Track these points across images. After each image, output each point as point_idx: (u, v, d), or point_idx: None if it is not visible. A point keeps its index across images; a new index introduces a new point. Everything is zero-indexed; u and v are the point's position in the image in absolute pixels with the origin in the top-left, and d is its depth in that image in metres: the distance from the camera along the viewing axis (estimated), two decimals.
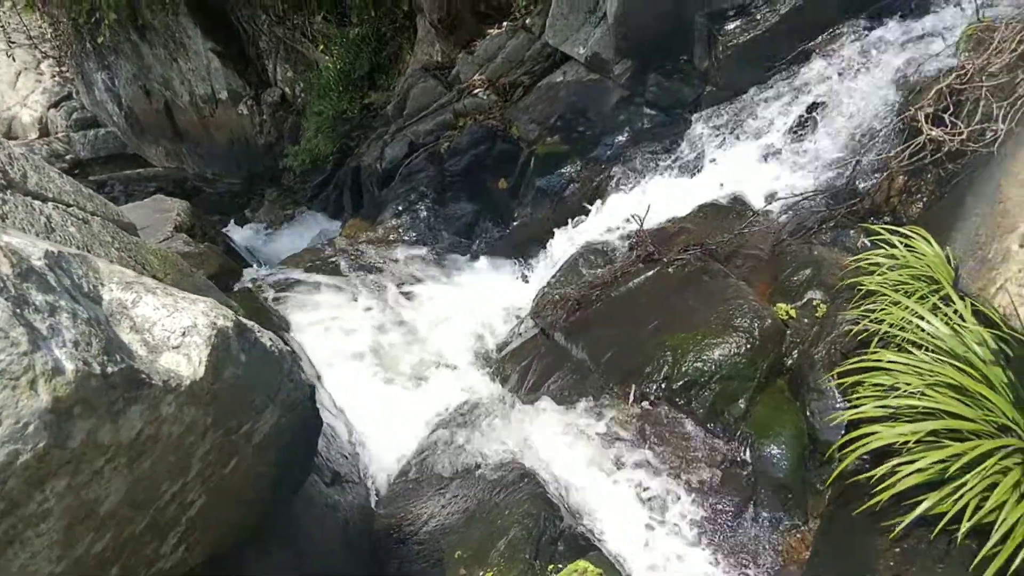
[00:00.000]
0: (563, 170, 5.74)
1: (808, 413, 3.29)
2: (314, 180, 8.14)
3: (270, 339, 2.03)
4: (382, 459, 4.27)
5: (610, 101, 5.79)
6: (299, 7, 9.34)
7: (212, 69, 10.63)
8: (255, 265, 6.34)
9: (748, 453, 3.25)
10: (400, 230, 5.98)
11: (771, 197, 4.64)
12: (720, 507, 3.11)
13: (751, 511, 3.10)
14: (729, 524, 3.07)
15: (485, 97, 6.73)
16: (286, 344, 4.65)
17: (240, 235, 7.56)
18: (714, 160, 5.29)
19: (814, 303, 3.78)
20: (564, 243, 5.37)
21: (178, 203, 6.26)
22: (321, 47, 9.27)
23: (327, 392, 4.55)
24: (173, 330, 1.53)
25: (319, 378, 4.61)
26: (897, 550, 2.71)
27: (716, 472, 3.21)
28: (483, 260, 5.73)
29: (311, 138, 8.53)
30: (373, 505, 3.80)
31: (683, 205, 4.99)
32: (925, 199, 4.32)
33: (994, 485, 2.53)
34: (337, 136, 8.08)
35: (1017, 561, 2.44)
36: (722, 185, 5.04)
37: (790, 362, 3.55)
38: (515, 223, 5.78)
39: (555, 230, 5.50)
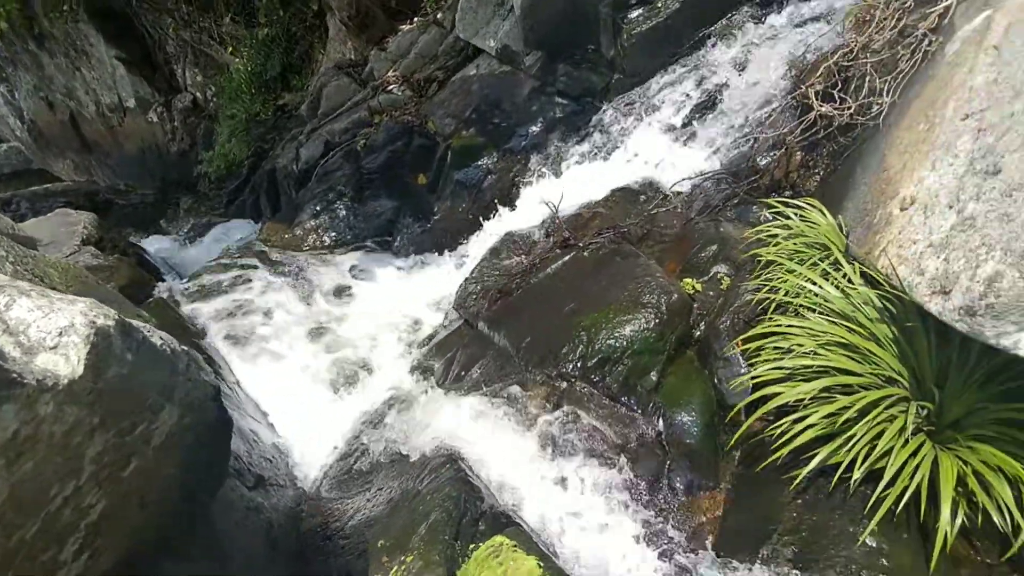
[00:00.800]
0: (480, 162, 5.78)
1: (716, 380, 3.43)
2: (230, 186, 7.97)
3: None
4: (310, 460, 4.24)
5: (523, 92, 5.86)
6: (205, 9, 9.11)
7: (118, 77, 10.26)
8: (170, 276, 6.18)
9: (661, 422, 3.36)
10: (319, 231, 5.92)
11: (679, 179, 4.79)
12: (636, 475, 3.21)
13: (666, 477, 3.21)
14: (645, 491, 3.17)
15: (400, 93, 6.72)
16: (202, 352, 4.59)
17: (154, 246, 7.34)
18: (625, 145, 5.42)
19: (719, 276, 3.92)
20: (485, 234, 5.42)
21: (85, 216, 6.05)
22: (230, 49, 9.07)
23: (249, 397, 4.49)
24: (49, 331, 1.51)
25: (238, 383, 4.54)
26: (799, 501, 2.86)
27: (631, 443, 3.31)
28: (405, 256, 5.72)
29: (225, 143, 8.34)
30: (301, 506, 3.77)
31: (597, 190, 5.11)
32: (821, 172, 4.53)
33: (882, 433, 2.70)
34: (252, 139, 7.93)
35: (904, 500, 2.62)
36: (633, 169, 5.18)
37: (698, 333, 3.68)
38: (436, 217, 5.79)
39: (481, 221, 5.55)
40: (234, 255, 5.98)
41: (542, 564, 2.19)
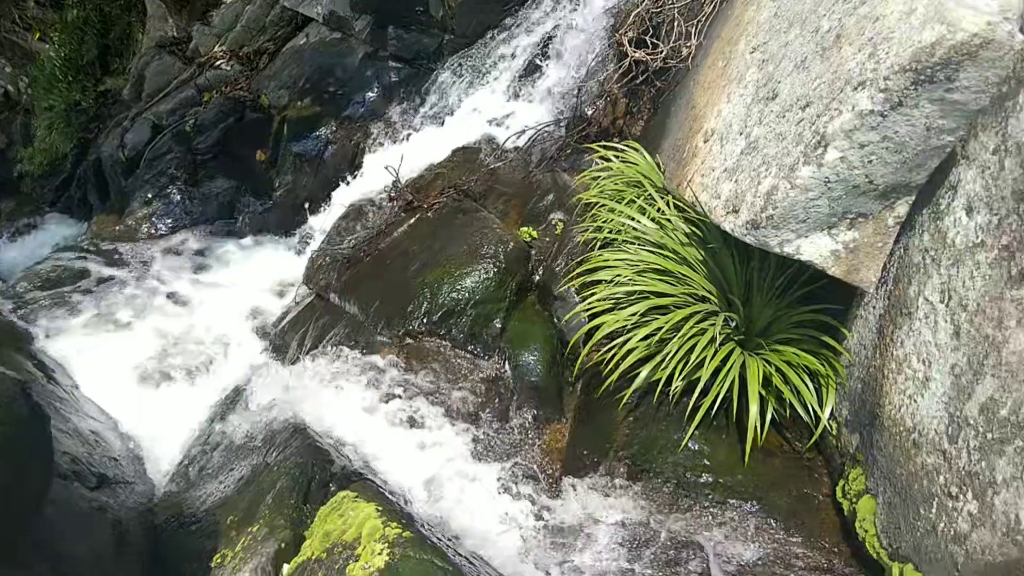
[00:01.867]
0: (318, 133, 5.67)
1: (555, 320, 3.59)
2: (55, 182, 7.38)
3: None
4: (162, 454, 4.08)
5: (355, 59, 5.77)
6: None
7: None
8: None
9: (507, 365, 3.49)
10: (154, 219, 5.63)
11: (515, 133, 4.90)
12: (486, 418, 3.33)
13: (514, 416, 3.34)
14: (496, 431, 3.29)
15: (229, 68, 6.43)
16: (31, 357, 4.29)
17: None
18: (463, 105, 5.47)
19: (554, 223, 4.08)
20: (330, 206, 5.34)
21: None
22: (38, 35, 8.32)
23: (89, 399, 4.25)
24: None
25: (76, 386, 4.29)
26: (631, 419, 3.06)
27: (480, 388, 3.42)
28: (250, 236, 5.55)
29: (45, 136, 7.69)
30: (153, 501, 3.65)
31: (439, 151, 5.14)
32: (645, 117, 4.76)
33: (695, 346, 2.93)
34: (74, 130, 7.36)
35: (717, 404, 2.87)
36: (472, 128, 5.24)
37: (537, 278, 3.83)
38: (278, 193, 5.64)
39: (325, 193, 5.45)
40: (63, 253, 5.57)
41: (380, 508, 2.24)
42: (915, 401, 2.34)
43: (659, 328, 2.92)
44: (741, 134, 3.05)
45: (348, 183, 5.38)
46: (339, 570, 2.11)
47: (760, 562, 2.53)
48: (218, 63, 6.48)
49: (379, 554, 2.05)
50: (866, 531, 2.44)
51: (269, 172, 5.75)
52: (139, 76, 6.84)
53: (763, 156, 2.75)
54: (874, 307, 2.70)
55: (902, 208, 2.50)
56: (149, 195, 5.68)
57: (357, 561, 2.09)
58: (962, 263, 2.25)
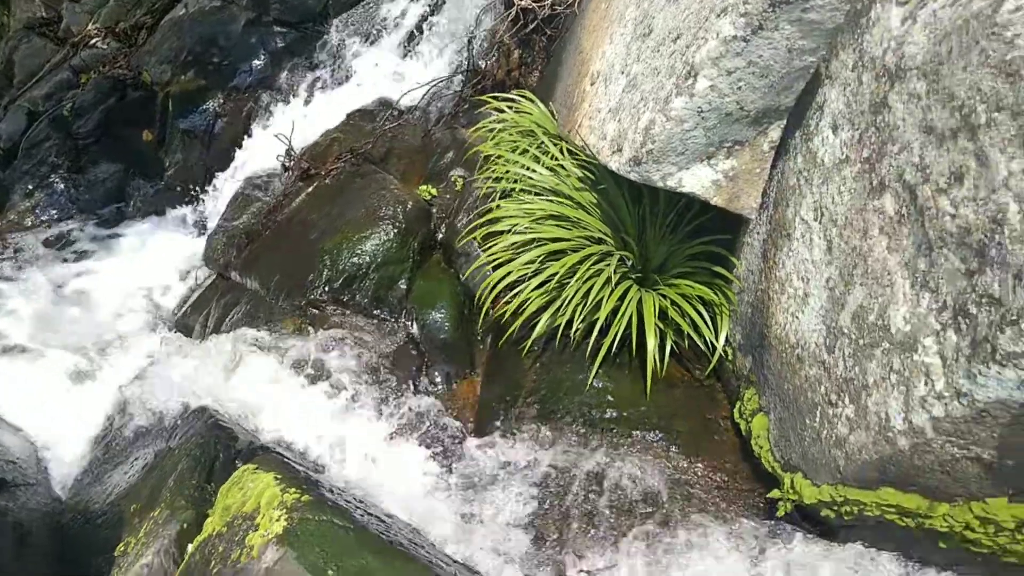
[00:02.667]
0: (206, 107, 5.43)
1: (460, 276, 3.57)
2: None
3: None
4: (68, 455, 3.91)
5: (238, 26, 5.52)
6: None
7: None
8: None
9: (415, 326, 3.46)
10: (37, 211, 5.31)
11: (409, 91, 4.80)
12: (397, 379, 3.30)
13: (425, 374, 3.33)
14: (407, 390, 3.27)
15: (105, 46, 6.06)
16: None
17: None
18: (356, 67, 5.32)
19: (454, 179, 4.03)
20: (225, 182, 5.15)
21: None
22: None
23: None
24: None
25: None
26: (537, 365, 3.09)
27: (389, 350, 3.38)
28: (144, 221, 5.31)
29: None
30: (57, 500, 3.50)
31: (334, 117, 4.99)
32: (539, 66, 4.73)
33: (592, 289, 2.96)
34: None
35: (616, 341, 2.91)
36: (367, 90, 5.11)
37: (440, 236, 3.79)
38: (169, 173, 5.40)
39: (218, 168, 5.25)
40: None
41: (279, 476, 2.20)
42: (797, 318, 2.42)
43: (554, 274, 2.93)
44: (623, 73, 3.06)
45: (242, 157, 5.19)
46: (239, 541, 2.06)
47: (666, 488, 2.60)
48: (93, 41, 6.10)
49: (277, 520, 2.02)
50: (761, 447, 2.54)
51: (158, 152, 5.49)
52: (7, 61, 6.38)
53: (641, 92, 2.77)
54: (758, 233, 2.78)
55: (775, 132, 2.56)
56: (30, 186, 5.34)
57: (257, 530, 2.05)
58: (831, 180, 2.33)
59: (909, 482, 1.98)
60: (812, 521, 2.36)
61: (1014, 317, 1.55)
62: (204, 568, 2.14)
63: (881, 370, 1.97)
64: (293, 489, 2.14)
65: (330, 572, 1.92)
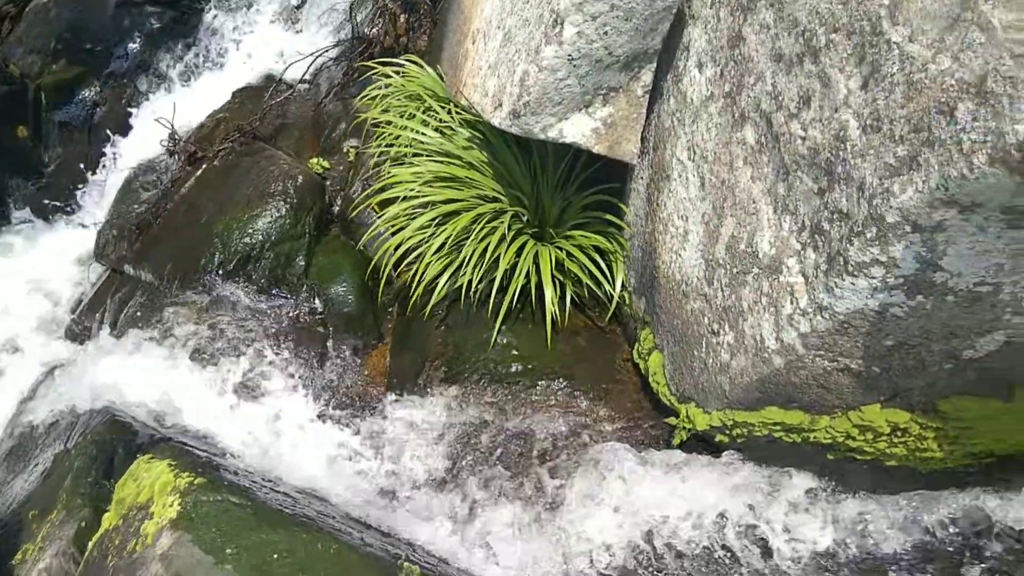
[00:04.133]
0: (83, 96, 5.12)
1: (360, 247, 3.52)
2: None
3: None
4: None
5: (109, 9, 5.21)
6: None
7: None
8: None
9: (318, 301, 3.40)
10: None
11: (293, 65, 4.66)
12: (304, 357, 3.25)
13: (333, 349, 3.29)
14: (315, 367, 3.23)
15: None
16: None
17: None
18: (239, 43, 5.12)
19: (347, 151, 3.96)
20: (111, 174, 4.90)
21: None
22: None
23: None
24: None
25: None
26: (443, 328, 3.09)
27: (293, 329, 3.33)
28: (26, 221, 5.01)
29: None
30: None
31: (219, 96, 4.81)
32: (427, 30, 4.65)
33: (488, 247, 2.96)
34: None
35: (516, 299, 2.94)
36: (253, 66, 4.94)
37: (337, 209, 3.73)
38: (49, 170, 5.09)
39: (102, 160, 4.99)
40: None
41: (173, 463, 2.15)
42: (680, 255, 2.49)
43: (448, 236, 2.93)
44: (499, 28, 3.04)
45: (126, 146, 4.95)
46: (134, 532, 2.01)
47: (572, 433, 2.66)
48: None
49: (170, 506, 1.97)
50: (658, 383, 2.62)
51: (36, 148, 5.16)
52: None
53: (516, 45, 2.76)
54: (642, 178, 2.84)
55: (647, 76, 2.60)
56: None
57: (151, 519, 1.99)
58: (699, 118, 2.39)
59: (789, 399, 2.08)
60: (711, 448, 2.46)
61: (860, 228, 1.63)
62: (102, 563, 2.08)
63: (753, 295, 2.05)
64: (187, 474, 2.09)
65: (228, 551, 1.89)
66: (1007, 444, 1.96)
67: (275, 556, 1.91)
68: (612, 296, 2.98)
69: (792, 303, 1.87)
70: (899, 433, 2.00)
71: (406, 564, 1.97)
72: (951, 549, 2.09)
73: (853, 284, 1.68)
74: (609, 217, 3.04)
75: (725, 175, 2.22)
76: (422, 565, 2.03)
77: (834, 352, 1.86)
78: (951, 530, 2.11)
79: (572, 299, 2.99)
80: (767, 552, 2.25)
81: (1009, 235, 1.44)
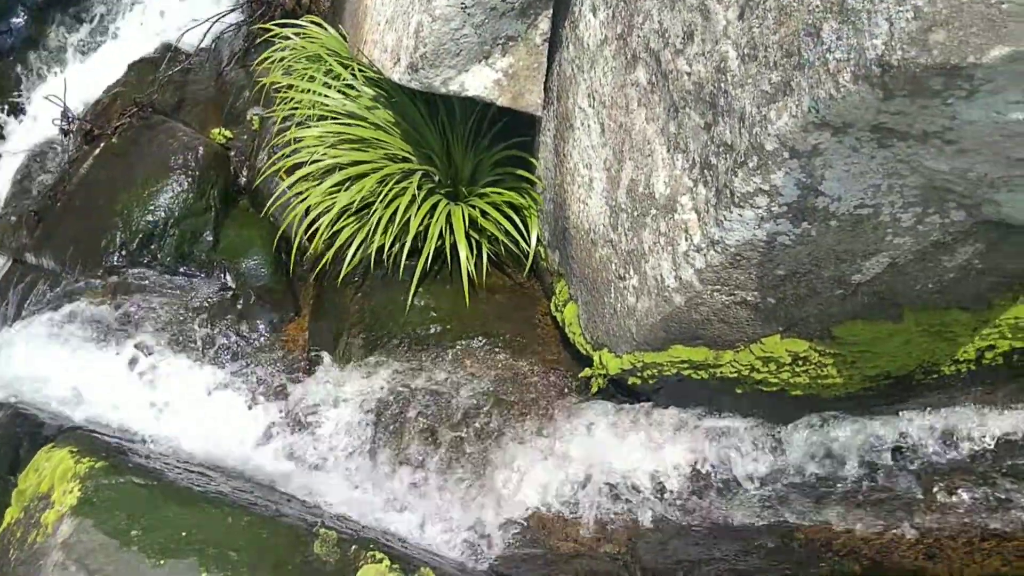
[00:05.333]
0: None
1: (271, 218, 3.42)
2: None
3: None
4: None
5: None
6: None
7: None
8: None
9: (229, 277, 3.30)
10: None
11: (189, 29, 4.45)
12: (218, 334, 3.16)
13: (248, 325, 3.20)
14: (232, 345, 3.14)
15: None
16: None
17: None
18: (133, 12, 4.87)
19: (250, 119, 3.82)
20: (4, 159, 4.63)
21: None
22: None
23: None
24: None
25: None
26: (359, 295, 3.03)
27: (205, 307, 3.22)
28: None
29: None
30: None
31: (115, 70, 4.57)
32: None
33: (398, 209, 2.91)
34: None
35: (432, 260, 2.90)
36: (148, 37, 4.70)
37: (244, 180, 3.61)
38: None
39: None
40: None
41: (74, 449, 2.05)
42: (587, 204, 2.49)
43: (353, 200, 2.86)
44: None
45: (18, 129, 4.67)
46: (35, 523, 1.92)
47: (493, 389, 2.66)
48: None
49: (71, 492, 1.89)
50: (574, 333, 2.63)
51: None
52: None
53: None
54: (549, 130, 2.81)
55: (544, 23, 2.56)
56: None
57: (52, 508, 1.91)
58: (596, 63, 2.36)
59: (693, 336, 2.11)
60: (628, 392, 2.49)
61: (742, 159, 1.64)
62: (4, 558, 1.99)
63: (653, 236, 2.06)
64: (88, 459, 2.01)
65: (134, 532, 1.83)
66: (900, 364, 2.03)
67: (183, 534, 1.86)
68: (528, 252, 2.97)
69: (687, 240, 1.89)
70: (800, 362, 2.05)
71: (322, 530, 1.94)
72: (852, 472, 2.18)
73: (740, 216, 1.70)
74: (521, 172, 3.01)
75: (622, 119, 2.21)
76: (339, 530, 2.00)
77: (730, 286, 1.88)
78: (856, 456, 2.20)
79: (489, 257, 2.97)
80: (691, 489, 2.31)
81: (882, 154, 1.47)
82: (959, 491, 1.93)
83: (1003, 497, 1.89)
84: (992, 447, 1.97)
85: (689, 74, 1.83)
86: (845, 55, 1.31)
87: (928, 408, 2.10)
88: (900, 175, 1.51)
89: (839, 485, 2.05)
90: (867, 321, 1.91)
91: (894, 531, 1.88)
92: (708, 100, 1.76)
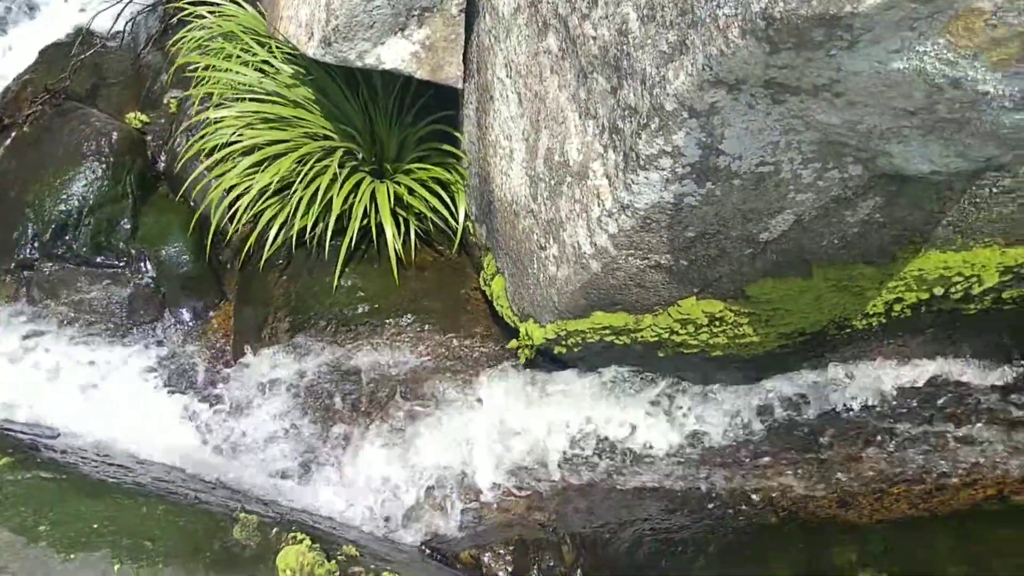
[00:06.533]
0: None
1: (192, 203, 3.31)
2: None
3: None
4: None
5: None
6: None
7: None
8: None
9: (150, 265, 3.19)
10: None
11: (100, 11, 4.28)
12: (140, 325, 3.07)
13: (171, 314, 3.11)
14: (154, 334, 3.06)
15: None
16: None
17: None
18: None
19: (168, 102, 3.70)
20: None
21: None
22: None
23: None
24: None
25: None
26: (284, 278, 2.97)
27: (123, 298, 3.11)
28: None
29: None
30: None
31: (25, 57, 4.36)
32: None
33: (319, 189, 2.85)
34: None
35: (357, 239, 2.86)
36: (61, 20, 4.50)
37: (162, 165, 3.49)
38: None
39: None
40: None
41: None
42: (508, 176, 2.47)
43: (270, 182, 2.79)
44: None
45: None
46: None
47: (424, 365, 2.64)
48: None
49: None
50: (502, 306, 2.62)
51: None
52: None
53: None
54: (471, 102, 2.78)
55: None
56: None
57: None
58: (511, 32, 2.34)
59: (612, 302, 2.12)
60: (555, 362, 2.50)
61: (645, 121, 1.64)
62: None
63: (569, 204, 2.05)
64: None
65: (42, 528, 1.77)
66: (813, 320, 2.08)
67: (94, 526, 1.80)
68: (456, 227, 2.94)
69: (599, 206, 1.89)
70: (717, 323, 2.08)
71: (242, 515, 1.90)
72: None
73: (647, 178, 1.70)
74: (447, 147, 2.98)
75: (537, 87, 2.19)
76: (262, 514, 1.97)
77: (643, 249, 1.89)
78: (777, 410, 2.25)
79: (418, 234, 2.94)
80: (618, 453, 2.33)
81: (777, 110, 1.49)
82: (869, 441, 1.99)
83: (911, 445, 1.96)
84: (900, 397, 2.04)
85: (595, 38, 1.82)
86: (733, 10, 1.32)
87: (840, 362, 2.15)
88: (796, 131, 1.53)
89: (754, 442, 2.09)
90: (778, 279, 1.94)
91: (808, 482, 1.93)
92: (613, 64, 1.75)
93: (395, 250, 2.81)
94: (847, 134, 1.49)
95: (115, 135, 3.35)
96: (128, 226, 3.26)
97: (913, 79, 1.28)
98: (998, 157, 1.46)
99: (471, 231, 2.96)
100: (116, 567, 1.74)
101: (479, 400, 2.52)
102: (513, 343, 2.52)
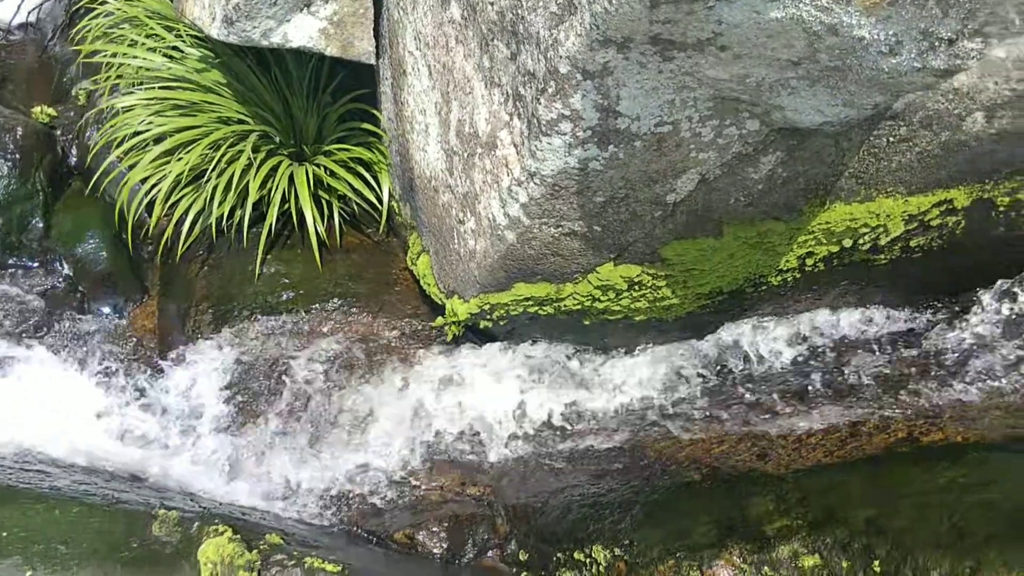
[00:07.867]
0: None
1: (107, 197, 3.20)
2: None
3: None
4: None
5: None
6: None
7: None
8: None
9: (66, 265, 3.08)
10: None
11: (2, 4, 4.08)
12: (58, 327, 2.96)
13: (90, 313, 3.01)
14: (73, 336, 2.95)
15: None
16: None
17: None
18: None
19: (77, 94, 3.56)
20: None
21: None
22: None
23: None
24: None
25: None
26: (205, 269, 2.90)
27: (39, 300, 3.00)
28: None
29: None
30: None
31: None
32: None
33: (234, 175, 2.77)
34: None
35: (277, 224, 2.79)
36: None
37: (74, 159, 3.36)
38: None
39: None
40: None
41: None
42: (426, 151, 2.44)
43: (182, 171, 2.70)
44: None
45: None
46: None
47: (351, 348, 2.60)
48: None
49: None
50: (428, 284, 2.59)
51: None
52: None
53: None
54: (387, 79, 2.73)
55: None
56: None
57: None
58: (418, 3, 2.29)
59: (532, 272, 2.11)
60: (484, 336, 2.48)
61: (543, 85, 1.62)
62: None
63: (482, 176, 2.03)
64: None
65: None
66: (729, 279, 2.10)
67: (4, 534, 1.73)
68: (382, 208, 2.90)
69: (509, 175, 1.87)
70: (636, 287, 2.09)
71: (161, 511, 1.85)
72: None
73: (550, 144, 1.69)
74: (368, 126, 2.93)
75: (444, 58, 2.15)
76: (183, 509, 1.92)
77: (555, 217, 1.88)
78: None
79: (344, 216, 2.90)
80: (548, 424, 2.33)
81: (667, 68, 1.48)
82: (787, 395, 2.03)
83: (827, 395, 2.00)
84: (818, 350, 2.08)
85: (492, 3, 1.79)
86: None
87: (760, 319, 2.18)
88: (689, 88, 1.53)
89: (680, 404, 2.11)
90: (690, 240, 1.96)
91: (730, 439, 1.96)
92: (511, 29, 1.73)
93: (317, 234, 2.76)
94: (738, 89, 1.50)
95: (20, 131, 3.20)
96: (40, 225, 3.13)
97: (792, 28, 1.28)
98: (886, 103, 1.48)
99: (396, 210, 2.92)
100: (28, 573, 1.68)
101: (408, 380, 2.49)
102: (439, 320, 2.49)
